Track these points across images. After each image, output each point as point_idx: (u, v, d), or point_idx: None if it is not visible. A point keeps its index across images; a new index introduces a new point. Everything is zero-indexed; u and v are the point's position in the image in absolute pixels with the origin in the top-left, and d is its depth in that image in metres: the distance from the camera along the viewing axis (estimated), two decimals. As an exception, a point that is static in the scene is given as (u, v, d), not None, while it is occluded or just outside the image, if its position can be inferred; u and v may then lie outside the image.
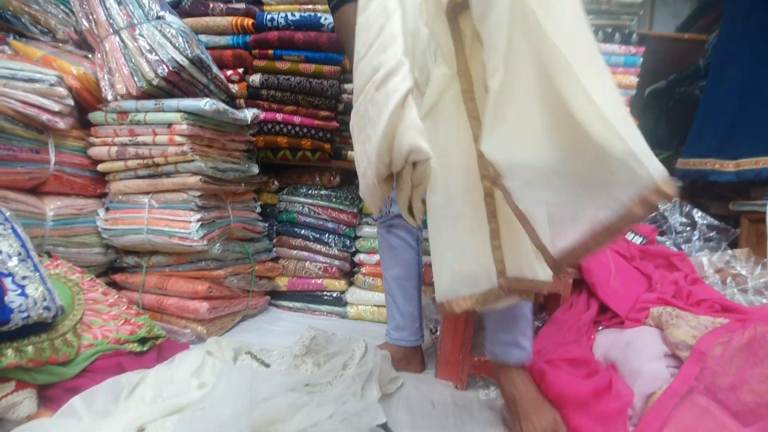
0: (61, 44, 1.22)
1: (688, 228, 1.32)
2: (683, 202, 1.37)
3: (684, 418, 0.75)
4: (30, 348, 0.71)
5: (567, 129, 0.48)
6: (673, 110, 1.88)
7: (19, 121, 0.99)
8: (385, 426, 0.77)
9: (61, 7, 1.25)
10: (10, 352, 0.68)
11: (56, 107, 1.03)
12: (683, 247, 1.28)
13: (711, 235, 1.30)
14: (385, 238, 1.07)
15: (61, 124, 1.06)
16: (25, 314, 0.69)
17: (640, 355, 0.85)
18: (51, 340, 0.75)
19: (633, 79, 1.38)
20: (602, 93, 0.45)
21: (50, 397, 0.75)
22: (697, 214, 1.34)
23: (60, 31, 1.22)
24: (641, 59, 1.39)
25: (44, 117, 1.02)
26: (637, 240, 1.22)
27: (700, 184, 1.50)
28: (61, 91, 1.04)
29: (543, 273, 0.62)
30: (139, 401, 0.75)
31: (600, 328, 0.97)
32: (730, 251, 1.20)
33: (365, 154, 0.63)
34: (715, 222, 1.33)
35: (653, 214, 1.39)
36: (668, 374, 0.81)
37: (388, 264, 1.08)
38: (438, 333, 1.15)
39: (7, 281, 0.71)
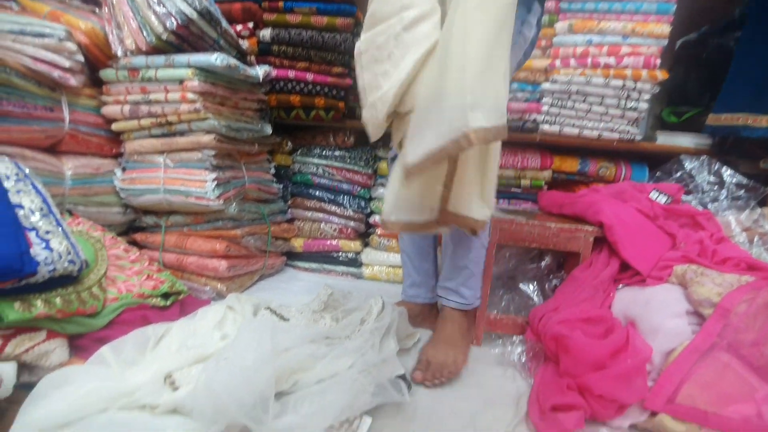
0: (67, -1, 1.19)
1: (716, 187, 1.27)
2: (712, 159, 1.31)
3: (705, 374, 0.74)
4: (58, 299, 0.73)
5: (441, 71, 0.58)
6: (705, 64, 1.77)
7: (31, 77, 0.97)
8: (404, 377, 0.78)
9: (65, -42, 1.20)
10: (39, 302, 0.70)
11: (67, 63, 1.01)
12: (710, 206, 1.23)
13: (739, 193, 1.25)
14: None
15: (73, 80, 1.04)
16: (51, 267, 0.70)
17: (661, 311, 0.84)
18: (78, 293, 0.77)
19: (665, 28, 1.29)
20: (476, 51, 0.55)
21: (80, 346, 0.78)
22: (726, 173, 1.29)
23: (65, -16, 1.18)
24: (675, 6, 1.29)
25: (55, 73, 1.00)
26: (662, 199, 1.18)
27: (730, 141, 1.43)
28: (71, 45, 1.02)
29: (478, 212, 0.66)
30: (165, 351, 0.78)
31: (620, 286, 0.96)
32: (759, 210, 1.15)
33: (378, 87, 0.66)
34: (744, 180, 1.27)
35: (680, 174, 1.34)
36: (690, 331, 0.80)
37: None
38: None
39: (32, 235, 0.72)
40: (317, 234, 1.54)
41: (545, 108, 1.34)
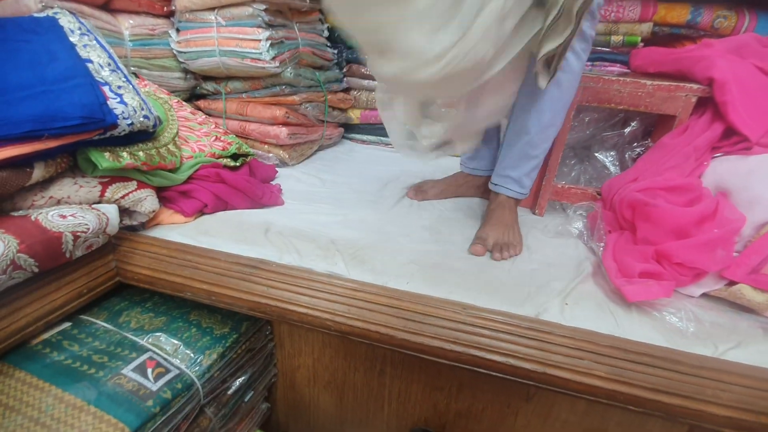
0: None
1: None
2: None
3: (801, 245, 0.68)
4: (141, 153, 0.77)
5: None
6: None
7: None
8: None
9: None
10: (125, 154, 0.74)
11: None
12: None
13: None
14: None
15: None
16: (128, 120, 0.73)
17: (764, 181, 0.74)
18: (157, 149, 0.81)
19: None
20: None
21: (167, 197, 0.85)
22: None
23: None
24: None
25: None
26: (795, 54, 0.96)
27: None
28: None
29: None
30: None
31: (718, 154, 0.85)
32: None
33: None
34: None
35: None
36: (797, 202, 0.71)
37: None
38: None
39: (106, 89, 0.74)
40: (374, 104, 1.47)
41: (660, -66, 1.06)
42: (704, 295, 0.72)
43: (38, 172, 0.65)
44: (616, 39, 1.20)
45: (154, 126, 0.80)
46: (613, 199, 0.86)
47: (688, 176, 0.83)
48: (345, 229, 0.87)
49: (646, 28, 1.18)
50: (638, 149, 0.95)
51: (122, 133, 0.74)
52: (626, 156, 0.97)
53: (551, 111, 0.81)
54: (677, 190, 0.80)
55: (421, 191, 1.05)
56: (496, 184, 0.91)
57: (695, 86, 0.85)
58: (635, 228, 0.79)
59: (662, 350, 0.58)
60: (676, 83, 0.87)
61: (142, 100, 0.79)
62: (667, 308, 0.67)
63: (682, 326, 0.63)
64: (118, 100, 0.74)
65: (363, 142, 1.55)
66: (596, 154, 1.00)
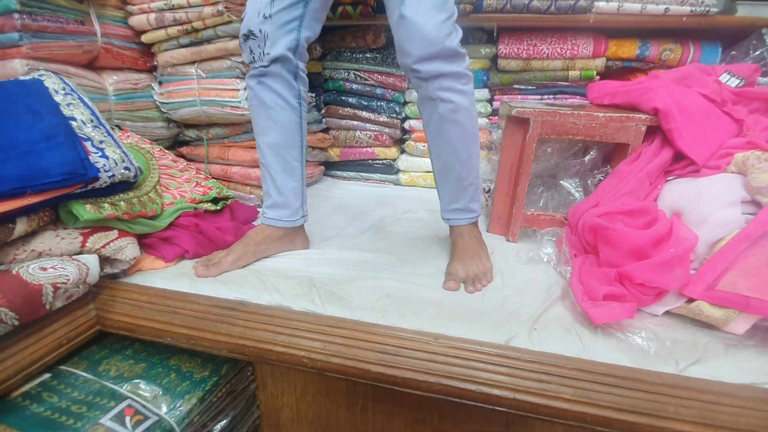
0: None
1: (803, 65, 1.09)
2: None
3: (751, 261, 0.72)
4: (122, 203, 0.80)
5: None
6: None
7: (56, -11, 0.97)
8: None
9: None
10: (106, 205, 0.77)
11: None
12: (792, 88, 1.08)
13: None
14: (257, 93, 0.86)
15: (96, -10, 1.02)
16: (110, 173, 0.76)
17: (713, 200, 0.79)
18: (138, 197, 0.84)
19: None
20: None
21: (148, 244, 0.87)
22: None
23: None
24: None
25: (78, -17, 0.99)
26: (733, 82, 1.04)
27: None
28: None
29: None
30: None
31: (670, 178, 0.90)
32: None
33: None
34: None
35: (759, 52, 1.16)
36: (742, 220, 0.76)
37: (262, 128, 0.88)
38: (491, 191, 1.14)
39: (88, 144, 0.78)
40: (353, 142, 1.54)
41: (602, -19, 1.16)
42: (667, 313, 0.76)
43: (20, 227, 0.68)
44: (573, 74, 1.29)
45: (135, 176, 0.83)
46: (577, 223, 0.91)
47: (643, 200, 0.89)
48: (323, 266, 0.90)
49: (600, 62, 1.27)
50: (599, 176, 1.01)
51: (104, 185, 0.77)
52: (588, 182, 1.02)
53: (463, 146, 0.84)
54: (634, 213, 0.85)
55: (213, 264, 0.86)
56: (447, 219, 0.92)
57: (643, 116, 0.92)
58: (598, 251, 0.83)
59: (626, 370, 0.61)
60: (626, 114, 0.93)
61: (123, 152, 0.82)
62: (631, 328, 0.69)
63: (644, 345, 0.66)
64: (100, 154, 0.78)
65: (344, 178, 1.60)
66: (561, 182, 1.05)
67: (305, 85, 0.90)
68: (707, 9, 1.15)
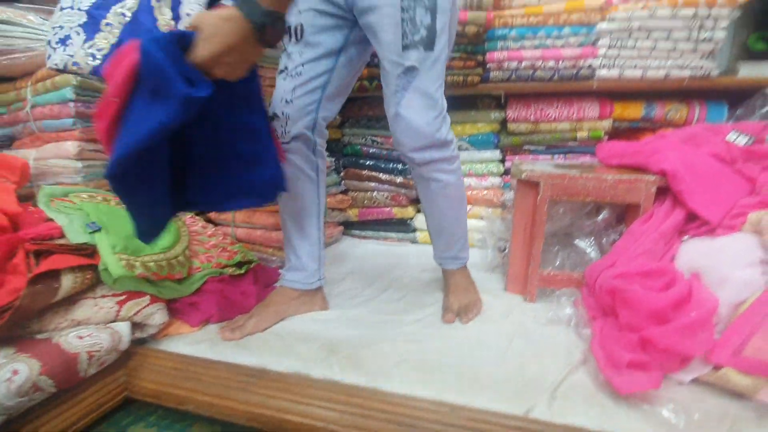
0: None
1: (812, 121, 1.11)
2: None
3: (778, 325, 0.70)
4: (152, 264, 0.86)
5: None
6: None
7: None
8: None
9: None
10: (138, 264, 0.83)
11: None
12: (802, 144, 1.09)
13: (843, 127, 1.08)
14: None
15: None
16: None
17: (731, 261, 0.79)
18: (168, 260, 0.90)
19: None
20: None
21: (176, 308, 0.92)
22: (826, 104, 1.12)
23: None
24: None
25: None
26: (742, 140, 1.06)
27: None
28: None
29: None
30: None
31: (685, 237, 0.90)
32: None
33: None
34: None
35: (766, 109, 1.19)
36: (763, 281, 0.75)
37: (283, 198, 0.95)
38: (507, 250, 1.16)
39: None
40: (371, 203, 1.60)
41: (602, 51, 1.24)
42: (695, 380, 0.73)
43: (66, 284, 0.72)
44: (582, 134, 1.34)
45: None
46: (594, 284, 0.90)
47: (660, 260, 0.88)
48: (342, 328, 0.92)
49: (607, 124, 1.32)
50: (613, 235, 1.02)
51: (139, 255, 0.83)
52: (603, 241, 1.03)
53: (452, 211, 0.97)
54: (652, 274, 0.84)
55: (237, 327, 0.90)
56: (440, 263, 1.05)
57: (651, 177, 0.94)
58: (617, 313, 0.82)
59: (653, 445, 0.58)
60: (635, 176, 0.96)
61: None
62: (657, 399, 0.67)
63: (672, 419, 0.63)
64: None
65: (363, 237, 1.65)
66: (576, 242, 1.06)
67: (323, 158, 0.99)
68: (707, 72, 1.20)
